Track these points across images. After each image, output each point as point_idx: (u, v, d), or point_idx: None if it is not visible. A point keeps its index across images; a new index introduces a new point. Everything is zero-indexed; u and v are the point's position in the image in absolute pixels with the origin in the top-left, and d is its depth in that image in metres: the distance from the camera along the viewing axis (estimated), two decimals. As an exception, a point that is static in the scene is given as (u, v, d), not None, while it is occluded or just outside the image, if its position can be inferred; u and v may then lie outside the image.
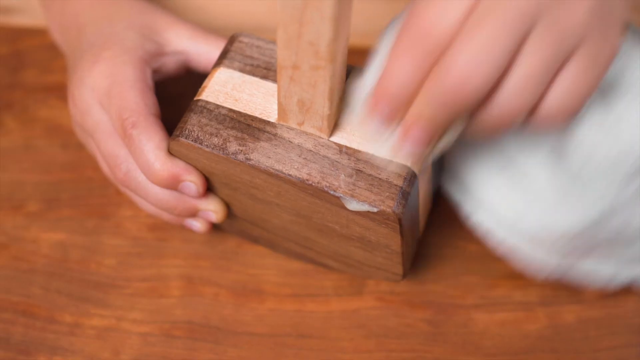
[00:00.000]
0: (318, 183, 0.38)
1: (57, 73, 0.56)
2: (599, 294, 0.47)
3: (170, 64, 0.47)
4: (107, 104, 0.43)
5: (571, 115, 0.35)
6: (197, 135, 0.39)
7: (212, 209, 0.45)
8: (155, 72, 0.46)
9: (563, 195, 0.41)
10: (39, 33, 0.57)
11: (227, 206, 0.45)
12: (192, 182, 0.42)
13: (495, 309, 0.46)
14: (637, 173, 0.39)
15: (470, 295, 0.47)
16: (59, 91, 0.55)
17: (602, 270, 0.44)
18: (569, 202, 0.41)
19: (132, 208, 0.51)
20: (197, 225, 0.46)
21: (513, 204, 0.42)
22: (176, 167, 0.42)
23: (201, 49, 0.47)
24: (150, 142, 0.42)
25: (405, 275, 0.44)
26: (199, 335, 0.46)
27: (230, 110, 0.40)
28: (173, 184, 0.42)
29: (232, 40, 0.42)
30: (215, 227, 0.48)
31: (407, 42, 0.33)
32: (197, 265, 0.48)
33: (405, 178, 0.38)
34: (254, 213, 0.44)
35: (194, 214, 0.45)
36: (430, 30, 0.32)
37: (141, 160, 0.42)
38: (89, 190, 0.51)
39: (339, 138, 0.39)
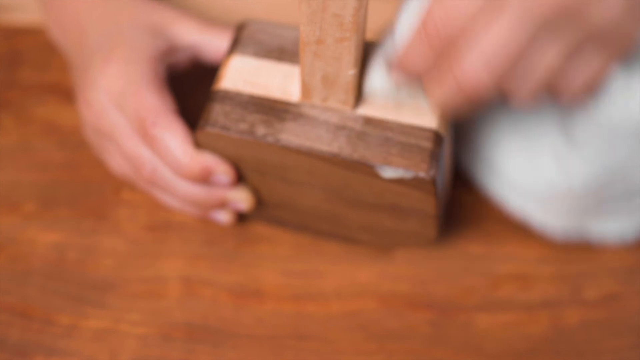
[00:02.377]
0: (350, 155, 0.39)
1: (54, 72, 0.55)
2: (602, 295, 0.47)
3: (181, 58, 0.47)
4: (123, 105, 0.43)
5: (593, 92, 0.37)
6: (224, 123, 0.40)
7: (242, 198, 0.45)
8: (167, 68, 0.46)
9: (571, 157, 0.42)
10: (35, 31, 0.57)
11: (256, 193, 0.45)
12: (223, 172, 0.42)
13: (497, 310, 0.46)
14: None
15: (472, 297, 0.47)
16: (56, 90, 0.55)
17: (613, 227, 0.46)
18: (575, 163, 0.42)
19: (130, 208, 0.50)
20: (224, 216, 0.47)
21: (525, 168, 0.44)
22: (207, 160, 0.42)
23: (211, 41, 0.47)
24: (175, 139, 0.42)
25: (436, 238, 0.45)
26: (197, 337, 0.45)
27: (251, 95, 0.40)
28: (204, 177, 0.43)
29: (241, 28, 0.43)
30: (240, 217, 0.48)
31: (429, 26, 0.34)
32: (196, 266, 0.48)
33: (432, 140, 0.39)
34: (283, 196, 0.45)
35: (223, 205, 0.45)
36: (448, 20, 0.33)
37: (169, 158, 0.42)
38: (86, 190, 0.51)
39: (363, 109, 0.40)
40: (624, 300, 0.46)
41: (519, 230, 0.49)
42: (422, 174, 0.38)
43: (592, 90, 0.37)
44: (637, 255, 0.48)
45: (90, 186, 0.51)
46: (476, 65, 0.33)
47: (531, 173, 0.44)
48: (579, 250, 0.48)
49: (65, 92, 0.55)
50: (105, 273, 0.48)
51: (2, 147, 0.53)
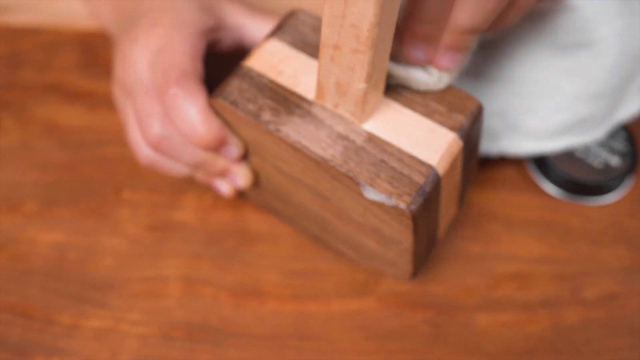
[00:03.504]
0: (340, 166, 0.38)
1: (55, 72, 0.56)
2: (601, 295, 0.47)
3: (226, 38, 0.47)
4: (155, 63, 0.43)
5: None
6: (235, 98, 0.40)
7: (242, 173, 0.45)
8: (211, 45, 0.46)
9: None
10: (36, 32, 0.57)
11: (255, 175, 0.46)
12: (235, 144, 0.43)
13: (497, 310, 0.46)
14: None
15: (472, 297, 0.47)
16: (57, 90, 0.55)
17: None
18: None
19: (131, 208, 0.50)
20: (225, 187, 0.47)
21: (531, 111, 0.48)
22: (223, 130, 0.42)
23: (258, 26, 0.47)
24: (196, 103, 0.42)
25: (415, 275, 0.44)
26: (198, 336, 0.45)
27: (272, 81, 0.41)
28: (216, 146, 0.43)
29: (290, 15, 0.43)
30: (241, 196, 0.49)
31: None
32: (196, 265, 0.48)
33: (427, 177, 0.38)
34: (278, 186, 0.45)
35: (223, 175, 0.46)
36: None
37: (186, 122, 0.42)
38: (86, 190, 0.51)
39: (370, 126, 0.39)
40: (623, 300, 0.46)
41: (518, 230, 0.49)
42: (402, 206, 0.37)
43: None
44: (636, 255, 0.48)
45: (90, 186, 0.51)
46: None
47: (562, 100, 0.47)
48: (578, 249, 0.48)
49: (66, 93, 0.55)
50: (105, 273, 0.48)
51: (2, 147, 0.53)
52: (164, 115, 0.43)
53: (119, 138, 0.52)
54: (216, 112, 0.42)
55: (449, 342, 0.45)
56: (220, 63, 0.47)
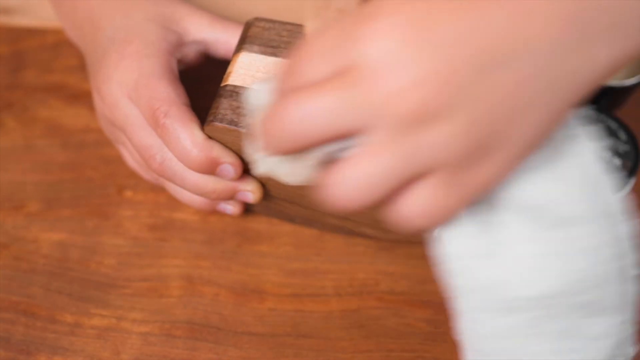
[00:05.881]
0: None
1: (57, 73, 0.56)
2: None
3: (191, 53, 0.48)
4: (136, 97, 0.43)
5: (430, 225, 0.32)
6: (231, 118, 0.41)
7: (250, 189, 0.46)
8: (178, 62, 0.46)
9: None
10: (39, 33, 0.57)
11: (263, 187, 0.46)
12: (229, 164, 0.43)
13: (495, 308, 0.47)
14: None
15: (470, 295, 0.47)
16: (59, 91, 0.55)
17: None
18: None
19: (133, 208, 0.51)
20: (231, 208, 0.47)
21: None
22: (213, 151, 0.43)
23: (220, 37, 0.47)
24: (185, 130, 0.42)
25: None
26: (199, 335, 0.46)
27: None
28: (211, 168, 0.43)
29: (248, 26, 0.44)
30: (247, 210, 0.49)
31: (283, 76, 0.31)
32: (197, 265, 0.48)
33: None
34: (290, 190, 0.45)
35: (231, 196, 0.46)
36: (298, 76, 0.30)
37: (178, 148, 0.43)
38: (89, 190, 0.51)
39: None
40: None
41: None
42: None
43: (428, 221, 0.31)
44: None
45: (93, 186, 0.52)
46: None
47: None
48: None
49: (68, 93, 0.55)
50: (107, 272, 0.48)
51: (5, 147, 0.53)
52: (162, 144, 0.44)
53: (121, 138, 0.52)
54: (213, 137, 0.42)
55: (448, 341, 0.45)
56: (186, 76, 0.47)
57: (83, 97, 0.55)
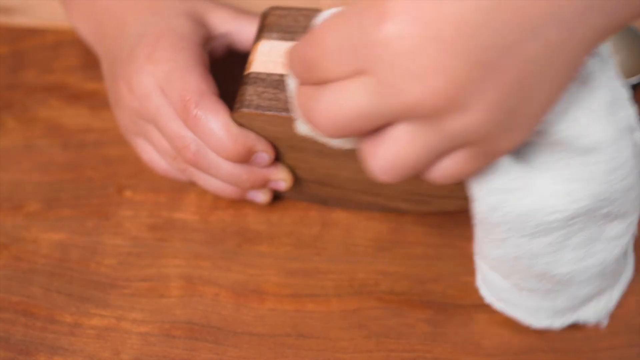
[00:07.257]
0: None
1: (57, 73, 0.56)
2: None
3: (218, 46, 0.49)
4: (168, 88, 0.44)
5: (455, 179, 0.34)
6: (258, 103, 0.41)
7: (282, 177, 0.46)
8: (208, 54, 0.47)
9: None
10: (39, 33, 0.58)
11: (293, 172, 0.47)
12: (264, 150, 0.44)
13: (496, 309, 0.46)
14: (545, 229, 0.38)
15: (470, 295, 0.47)
16: (59, 91, 0.55)
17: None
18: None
19: (133, 208, 0.51)
20: (262, 196, 0.48)
21: None
22: (249, 140, 0.43)
23: (245, 29, 0.48)
24: (218, 120, 0.43)
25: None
26: (199, 335, 0.46)
27: (282, 75, 0.41)
28: (246, 157, 0.44)
29: (265, 15, 0.44)
30: (277, 197, 0.49)
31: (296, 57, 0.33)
32: (197, 265, 0.48)
33: None
34: (321, 170, 0.45)
35: (263, 184, 0.47)
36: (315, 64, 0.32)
37: (212, 139, 0.43)
38: (89, 190, 0.51)
39: None
40: (621, 299, 0.46)
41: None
42: None
43: (453, 179, 0.34)
44: (635, 255, 0.48)
45: (93, 186, 0.52)
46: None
47: None
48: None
49: (68, 93, 0.55)
50: (107, 272, 0.48)
51: (5, 147, 0.53)
52: (195, 135, 0.44)
53: (121, 138, 0.52)
54: (241, 124, 0.43)
55: (448, 341, 0.45)
56: (214, 70, 0.47)
57: (83, 97, 0.55)
